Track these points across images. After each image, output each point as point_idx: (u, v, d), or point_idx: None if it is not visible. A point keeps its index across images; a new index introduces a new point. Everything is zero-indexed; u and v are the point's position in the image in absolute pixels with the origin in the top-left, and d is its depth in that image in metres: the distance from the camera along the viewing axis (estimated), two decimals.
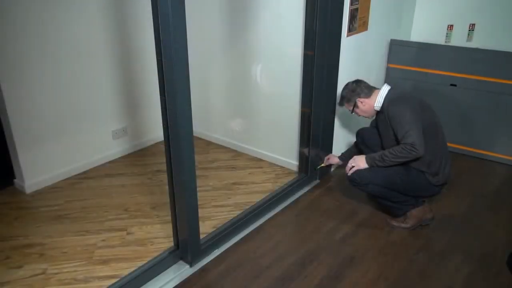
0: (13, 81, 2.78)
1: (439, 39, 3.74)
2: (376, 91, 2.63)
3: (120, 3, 3.23)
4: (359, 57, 3.25)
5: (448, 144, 2.61)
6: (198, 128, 3.72)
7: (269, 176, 3.27)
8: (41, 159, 3.05)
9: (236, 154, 3.64)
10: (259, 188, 3.11)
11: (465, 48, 3.41)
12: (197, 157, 2.19)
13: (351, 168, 2.58)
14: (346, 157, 2.95)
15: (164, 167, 2.19)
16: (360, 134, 2.90)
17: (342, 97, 2.75)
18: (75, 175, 3.25)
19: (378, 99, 2.58)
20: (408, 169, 2.52)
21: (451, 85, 3.45)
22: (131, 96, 3.54)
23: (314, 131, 3.03)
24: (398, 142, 2.44)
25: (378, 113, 2.66)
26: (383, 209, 2.78)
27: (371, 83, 2.77)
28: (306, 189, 3.11)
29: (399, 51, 3.61)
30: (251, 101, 3.45)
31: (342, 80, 3.07)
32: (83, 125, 3.24)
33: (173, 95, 1.92)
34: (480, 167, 3.43)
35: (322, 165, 3.14)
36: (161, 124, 2.05)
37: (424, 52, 3.53)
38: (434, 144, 2.50)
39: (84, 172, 3.30)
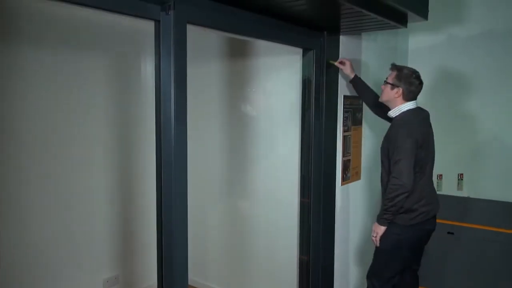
0: (3, 223, 2.76)
1: None
2: (408, 103, 2.60)
3: (121, 155, 3.41)
4: (354, 204, 3.31)
5: None
6: (193, 276, 3.59)
7: None
8: None
9: None
10: None
11: (456, 197, 3.53)
12: None
13: (375, 238, 2.65)
14: (359, 81, 2.90)
15: None
16: None
17: (401, 70, 2.61)
18: None
19: (396, 110, 2.61)
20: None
21: (448, 233, 3.46)
22: (125, 243, 3.49)
23: (313, 278, 2.92)
24: (388, 159, 2.56)
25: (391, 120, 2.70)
26: None
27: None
28: None
29: None
30: (248, 249, 3.40)
31: (339, 226, 3.09)
32: (74, 272, 3.12)
33: (170, 240, 1.92)
34: None
35: (334, 62, 2.87)
36: (155, 272, 1.99)
37: None
38: (420, 181, 2.60)
39: None
